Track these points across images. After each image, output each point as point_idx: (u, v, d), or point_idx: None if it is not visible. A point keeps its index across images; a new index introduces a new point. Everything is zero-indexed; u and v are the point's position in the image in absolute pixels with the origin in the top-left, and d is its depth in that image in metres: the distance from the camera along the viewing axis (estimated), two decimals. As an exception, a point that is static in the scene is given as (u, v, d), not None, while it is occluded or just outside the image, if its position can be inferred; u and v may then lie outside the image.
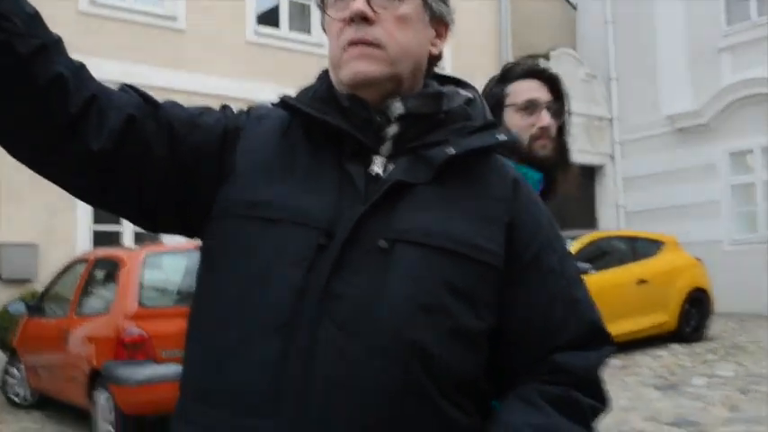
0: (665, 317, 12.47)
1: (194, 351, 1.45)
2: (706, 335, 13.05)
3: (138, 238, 11.50)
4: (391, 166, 1.44)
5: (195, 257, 1.55)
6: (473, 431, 1.39)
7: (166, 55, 12.68)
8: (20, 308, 9.88)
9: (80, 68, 1.39)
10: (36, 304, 9.82)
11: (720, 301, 13.68)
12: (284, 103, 1.51)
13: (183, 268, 8.21)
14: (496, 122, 1.56)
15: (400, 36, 1.45)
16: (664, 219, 16.72)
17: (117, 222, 11.33)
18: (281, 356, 1.31)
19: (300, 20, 14.57)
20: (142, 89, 1.47)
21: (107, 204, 1.50)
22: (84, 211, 11.37)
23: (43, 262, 11.31)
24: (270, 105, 1.57)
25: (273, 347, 1.32)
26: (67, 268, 9.60)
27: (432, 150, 1.45)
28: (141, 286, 7.78)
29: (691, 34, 17.42)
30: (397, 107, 1.46)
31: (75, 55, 1.37)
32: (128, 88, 1.46)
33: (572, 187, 2.71)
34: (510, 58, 17.01)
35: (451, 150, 1.44)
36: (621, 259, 12.64)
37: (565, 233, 1.76)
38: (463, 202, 1.45)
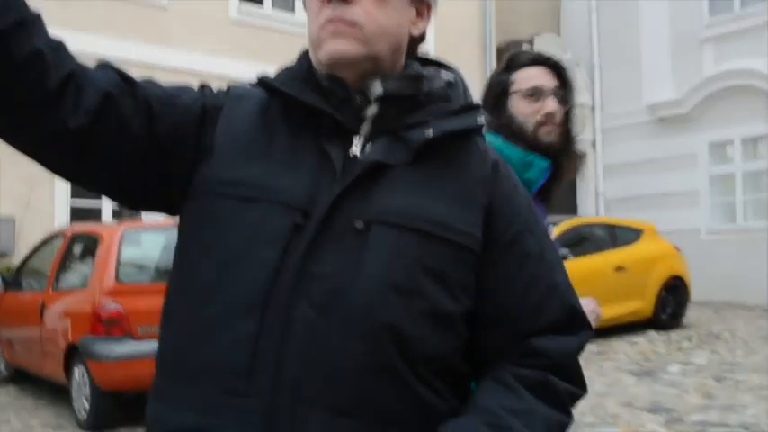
0: (641, 304, 12.56)
1: (170, 329, 1.45)
2: (682, 322, 13.16)
3: (117, 215, 11.45)
4: (370, 147, 1.44)
5: (173, 234, 1.54)
6: (449, 414, 1.39)
7: (149, 31, 12.59)
8: (-4, 281, 9.85)
9: (59, 45, 1.37)
10: (13, 278, 9.78)
11: (697, 290, 13.80)
12: (263, 82, 1.50)
13: (161, 245, 8.19)
14: (476, 105, 1.54)
15: (378, 15, 1.43)
16: (643, 207, 16.82)
17: (96, 198, 11.27)
18: (255, 336, 1.31)
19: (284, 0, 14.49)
20: (121, 67, 1.46)
21: (83, 181, 1.49)
22: (62, 185, 11.29)
23: (21, 236, 11.24)
24: (249, 85, 1.55)
25: (248, 327, 1.32)
26: (45, 243, 9.55)
27: (411, 132, 1.44)
28: (119, 262, 7.75)
29: (674, 24, 17.47)
30: (377, 88, 1.45)
31: (56, 29, 1.35)
32: (105, 66, 1.45)
33: (575, 173, 2.73)
34: (493, 43, 17.03)
35: (430, 132, 1.44)
36: (600, 246, 12.71)
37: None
38: (441, 184, 1.44)
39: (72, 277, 8.56)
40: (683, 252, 13.58)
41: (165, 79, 1.53)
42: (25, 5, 1.32)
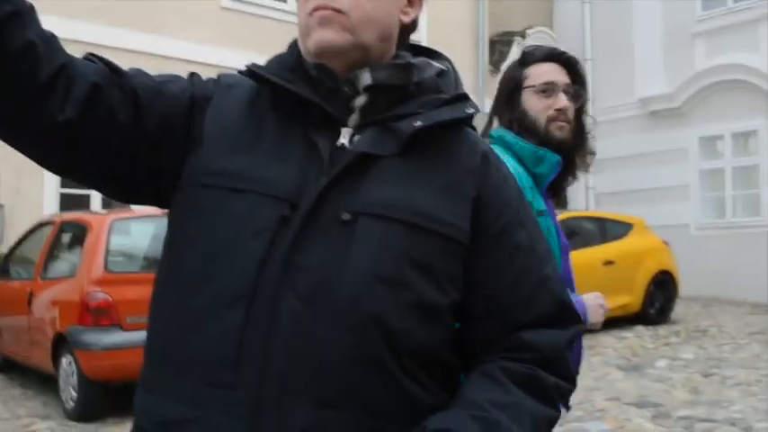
0: (630, 298, 12.59)
1: (158, 320, 1.45)
2: (670, 318, 13.20)
3: (106, 203, 11.42)
4: (358, 138, 1.43)
5: (163, 224, 1.54)
6: (436, 406, 1.39)
7: (140, 19, 12.52)
8: (-16, 269, 9.81)
9: (51, 38, 1.37)
10: (1, 266, 9.74)
11: (685, 285, 13.84)
12: (251, 71, 1.48)
13: (150, 234, 8.17)
14: (466, 95, 1.53)
15: (366, 3, 1.42)
16: (633, 201, 16.84)
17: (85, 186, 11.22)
18: (241, 327, 1.31)
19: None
20: (111, 54, 1.45)
21: (72, 174, 1.49)
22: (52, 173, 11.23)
23: (10, 224, 11.19)
24: (239, 73, 1.54)
25: (234, 318, 1.31)
26: (33, 231, 9.51)
27: (400, 122, 1.43)
28: (107, 251, 7.73)
29: (666, 18, 17.48)
30: (365, 78, 1.45)
31: (47, 16, 1.34)
32: (93, 57, 1.44)
33: (587, 169, 2.76)
34: (486, 35, 17.02)
35: (419, 123, 1.43)
36: (590, 240, 12.73)
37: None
38: (429, 175, 1.43)
39: (60, 266, 8.53)
40: (672, 247, 13.61)
41: (156, 67, 1.52)
42: None
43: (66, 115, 1.35)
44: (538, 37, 18.04)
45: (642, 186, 17.24)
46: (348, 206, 1.36)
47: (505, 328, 1.46)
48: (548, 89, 2.64)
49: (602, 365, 9.62)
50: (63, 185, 11.64)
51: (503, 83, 2.76)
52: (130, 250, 8.31)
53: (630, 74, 17.81)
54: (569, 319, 1.51)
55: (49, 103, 1.34)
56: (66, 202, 11.64)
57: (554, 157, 2.61)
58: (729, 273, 15.49)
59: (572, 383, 1.50)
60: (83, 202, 11.63)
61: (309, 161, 1.40)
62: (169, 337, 1.39)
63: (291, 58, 1.50)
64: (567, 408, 2.80)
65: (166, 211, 1.52)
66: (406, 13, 1.52)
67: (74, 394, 7.46)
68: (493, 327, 1.47)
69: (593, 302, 2.64)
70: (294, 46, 1.52)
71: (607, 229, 13.16)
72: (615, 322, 12.24)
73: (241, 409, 1.29)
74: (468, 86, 1.58)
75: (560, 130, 2.64)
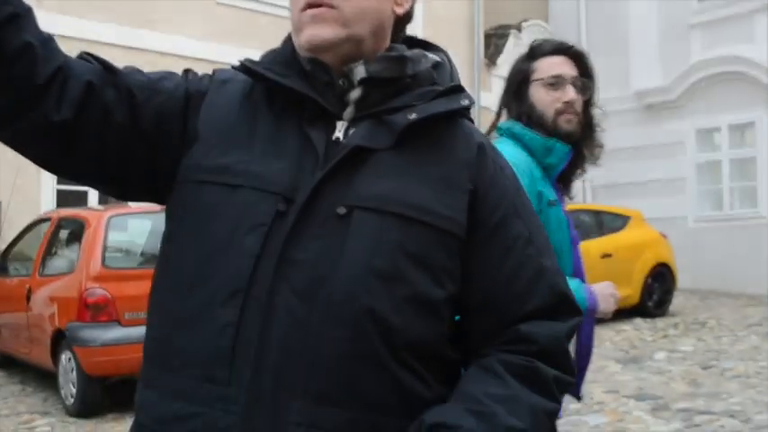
0: (628, 291, 12.57)
1: (156, 317, 1.45)
2: (668, 310, 13.21)
3: (103, 199, 11.40)
4: (353, 131, 1.43)
5: (160, 219, 1.54)
6: (434, 400, 1.38)
7: (135, 14, 12.49)
8: (-18, 266, 9.80)
9: (48, 39, 1.38)
10: (-1, 263, 9.74)
11: (683, 277, 13.83)
12: (245, 67, 1.48)
13: (147, 230, 8.18)
14: (461, 86, 1.53)
15: None
16: (630, 194, 16.84)
17: (83, 182, 11.19)
18: (237, 323, 1.31)
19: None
20: (106, 49, 1.45)
21: (69, 173, 1.49)
22: (49, 170, 11.20)
23: (7, 220, 11.17)
24: (233, 69, 1.54)
25: (230, 314, 1.32)
26: (31, 227, 9.51)
27: (394, 115, 1.43)
28: (105, 247, 7.73)
29: (662, 10, 17.46)
30: (360, 71, 1.44)
31: (43, 12, 1.34)
32: (87, 56, 1.45)
33: (596, 161, 2.78)
34: (481, 28, 16.99)
35: (413, 115, 1.42)
36: (587, 233, 12.70)
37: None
38: (425, 168, 1.43)
39: (58, 262, 8.53)
40: (669, 239, 13.61)
41: (151, 62, 1.53)
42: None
43: (61, 115, 1.36)
44: (533, 30, 18.03)
45: (639, 179, 17.23)
46: (343, 200, 1.36)
47: (504, 320, 1.45)
48: (556, 82, 2.66)
49: (601, 358, 9.62)
50: (60, 182, 11.61)
51: (511, 76, 2.79)
52: (128, 246, 8.32)
53: (626, 66, 17.80)
54: (569, 311, 1.50)
55: (45, 104, 1.35)
56: (64, 199, 11.63)
57: (564, 147, 2.63)
58: (727, 265, 15.50)
59: (572, 375, 1.48)
60: (80, 199, 11.62)
61: (304, 155, 1.40)
62: (167, 334, 1.40)
63: (286, 53, 1.50)
64: (579, 398, 2.82)
65: (163, 207, 1.52)
66: (399, 5, 1.51)
67: (73, 390, 7.46)
68: (491, 319, 1.46)
69: (604, 291, 2.66)
70: (289, 40, 1.51)
71: (604, 222, 13.17)
72: (613, 315, 12.22)
73: (237, 404, 1.29)
74: (464, 80, 1.57)
75: (568, 123, 2.66)
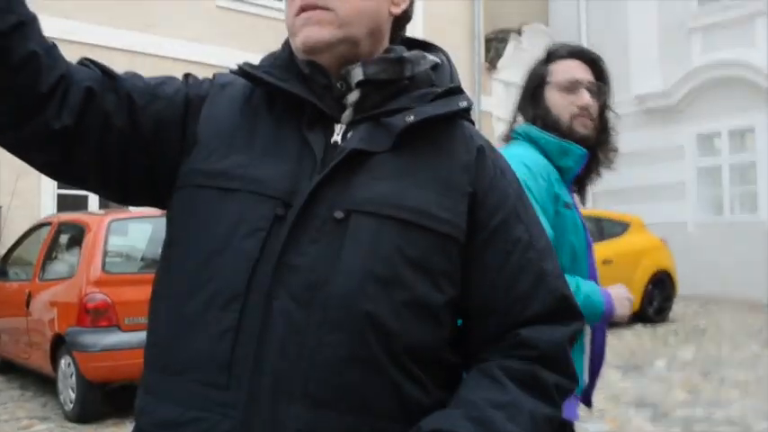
0: (628, 297, 12.55)
1: (156, 322, 1.45)
2: (668, 317, 13.19)
3: (104, 204, 11.40)
4: (351, 134, 1.42)
5: (160, 224, 1.54)
6: (435, 405, 1.38)
7: (135, 16, 12.50)
8: (-18, 271, 9.78)
9: (52, 48, 1.39)
10: (-1, 267, 9.73)
11: (683, 283, 13.82)
12: (243, 71, 1.48)
13: (148, 235, 8.17)
14: (461, 88, 1.52)
15: None
16: (630, 199, 16.83)
17: (83, 187, 11.19)
18: (235, 328, 1.31)
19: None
20: (103, 58, 1.46)
21: (70, 178, 1.49)
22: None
23: (7, 225, 11.17)
24: (233, 73, 1.54)
25: (229, 319, 1.32)
26: (31, 232, 9.50)
27: (392, 118, 1.42)
28: (105, 252, 7.71)
29: (662, 14, 17.47)
30: (357, 73, 1.44)
31: (42, 14, 1.35)
32: (87, 62, 1.46)
33: (610, 166, 2.80)
34: (481, 30, 17.00)
35: (411, 118, 1.41)
36: (587, 239, 12.69)
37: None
38: (423, 171, 1.42)
39: (58, 267, 8.52)
40: (669, 245, 13.59)
41: (150, 65, 1.53)
42: (25, 7, 1.34)
43: (62, 122, 1.36)
44: (533, 33, 18.05)
45: (639, 184, 17.22)
46: (341, 204, 1.35)
47: (504, 324, 1.44)
48: (571, 86, 2.67)
49: (601, 364, 9.60)
50: (60, 186, 11.60)
51: (527, 79, 2.80)
52: (128, 251, 8.31)
53: (626, 71, 17.79)
54: (570, 315, 1.49)
55: (47, 112, 1.36)
56: (64, 203, 11.63)
57: (580, 150, 2.64)
58: (727, 271, 15.48)
59: (573, 380, 1.47)
60: (80, 203, 11.62)
61: (303, 159, 1.40)
62: (167, 339, 1.39)
63: (284, 56, 1.50)
64: (589, 405, 2.81)
65: (164, 211, 1.52)
66: (395, 5, 1.51)
67: (72, 395, 7.44)
68: (492, 324, 1.45)
69: (619, 295, 2.66)
70: (287, 44, 1.51)
71: (604, 228, 13.14)
72: (613, 321, 12.22)
73: (235, 409, 1.29)
74: (464, 83, 1.56)
75: (583, 127, 2.67)
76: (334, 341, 1.29)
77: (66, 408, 7.57)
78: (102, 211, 9.16)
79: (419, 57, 1.52)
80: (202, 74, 1.59)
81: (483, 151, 1.50)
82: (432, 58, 1.54)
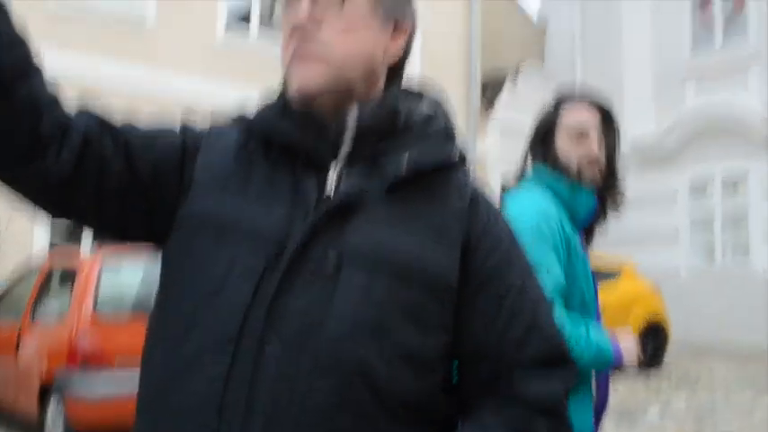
0: (621, 343, 12.51)
1: (148, 367, 1.44)
2: (661, 363, 13.15)
3: (97, 244, 11.36)
4: (345, 181, 1.42)
5: (153, 265, 1.53)
6: None
7: (135, 54, 12.58)
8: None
9: (55, 93, 1.40)
10: (-12, 307, 9.66)
11: (676, 329, 13.82)
12: (239, 119, 1.50)
13: (140, 276, 8.13)
14: (455, 134, 1.53)
15: (345, 40, 1.43)
16: (622, 244, 16.84)
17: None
18: (227, 373, 1.30)
19: (270, 25, 14.52)
20: (102, 98, 1.47)
21: (65, 218, 1.50)
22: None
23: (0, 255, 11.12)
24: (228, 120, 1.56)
25: (220, 365, 1.31)
26: (22, 272, 9.46)
27: (386, 165, 1.43)
28: (97, 293, 7.67)
29: (656, 58, 17.66)
30: (352, 118, 1.44)
31: (42, 48, 1.36)
32: (87, 108, 1.46)
33: (618, 211, 2.85)
34: (478, 73, 17.12)
35: (404, 165, 1.42)
36: (580, 284, 12.68)
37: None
38: (416, 218, 1.42)
39: (50, 308, 8.47)
40: (662, 291, 13.59)
41: (151, 101, 1.54)
42: (30, 53, 1.36)
43: (60, 168, 1.37)
44: (530, 76, 18.20)
45: (632, 229, 17.22)
46: (334, 248, 1.35)
47: (497, 371, 1.43)
48: (581, 132, 2.72)
49: (594, 412, 9.54)
50: (53, 223, 11.59)
51: (537, 123, 2.85)
52: (120, 292, 8.26)
53: (620, 114, 17.74)
54: (564, 362, 1.47)
55: (46, 157, 1.37)
56: (56, 243, 11.59)
57: (590, 196, 2.69)
58: (720, 317, 15.48)
59: (568, 430, 1.45)
60: (73, 243, 11.58)
61: (296, 204, 1.40)
62: (158, 384, 1.39)
63: (280, 101, 1.51)
64: None
65: (157, 253, 1.52)
66: (390, 48, 1.51)
67: (60, 440, 7.36)
68: (484, 370, 1.44)
69: (627, 343, 2.66)
70: (284, 87, 1.52)
71: (597, 273, 13.10)
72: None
73: None
74: (460, 125, 1.56)
75: (591, 173, 2.71)
76: (325, 387, 1.28)
77: (53, 453, 7.48)
78: (94, 253, 9.14)
79: (415, 102, 1.53)
80: (201, 112, 1.60)
81: (476, 198, 1.50)
82: (427, 104, 1.55)
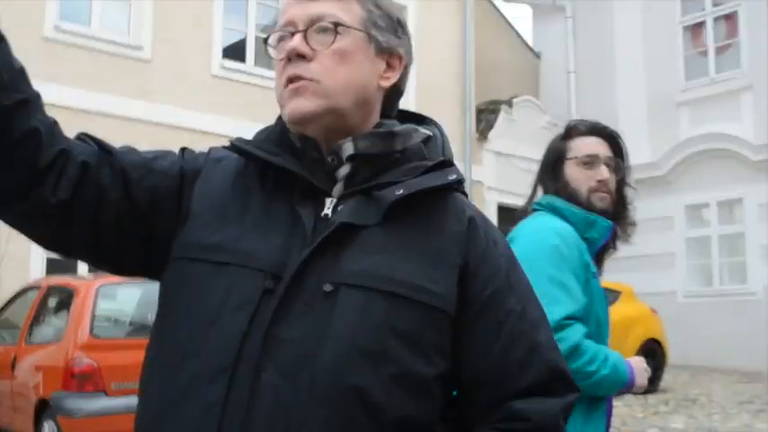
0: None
1: (146, 394, 1.44)
2: (659, 386, 13.11)
3: (93, 268, 11.32)
4: (342, 208, 1.43)
5: (150, 289, 1.55)
6: None
7: (131, 85, 12.60)
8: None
9: (53, 125, 1.41)
10: (-14, 330, 9.64)
11: (674, 353, 13.77)
12: (235, 147, 1.49)
13: (136, 299, 8.13)
14: (451, 161, 1.53)
15: (338, 70, 1.44)
16: (620, 268, 16.77)
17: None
18: (224, 401, 1.30)
19: (266, 55, 14.50)
20: (99, 129, 1.49)
21: (63, 249, 1.51)
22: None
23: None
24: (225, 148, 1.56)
25: (216, 393, 1.30)
26: (19, 295, 9.44)
27: (382, 191, 1.43)
28: (93, 316, 7.66)
29: (650, 88, 17.72)
30: (348, 147, 1.45)
31: (38, 81, 1.38)
32: (84, 136, 1.48)
33: (627, 240, 2.87)
34: (473, 103, 17.18)
35: (400, 191, 1.41)
36: (578, 308, 12.65)
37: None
38: (413, 243, 1.42)
39: (46, 330, 8.45)
40: (659, 314, 13.58)
41: (146, 132, 1.55)
42: (29, 85, 1.37)
43: (58, 198, 1.38)
44: (524, 105, 18.25)
45: (629, 254, 17.13)
46: (330, 277, 1.35)
47: (497, 397, 1.42)
48: (590, 161, 2.76)
49: (591, 434, 9.49)
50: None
51: (547, 154, 2.88)
52: (117, 315, 8.25)
53: (617, 143, 17.96)
54: (565, 387, 1.46)
55: (45, 187, 1.38)
56: (53, 266, 11.57)
57: (605, 222, 2.71)
58: (717, 340, 15.46)
59: None
60: (70, 266, 11.57)
61: (293, 233, 1.40)
62: (155, 412, 1.38)
63: (277, 130, 1.52)
64: None
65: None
66: (385, 78, 1.52)
67: (55, 462, 7.32)
68: (484, 396, 1.43)
69: (638, 366, 2.68)
70: (280, 118, 1.53)
71: (599, 296, 13.09)
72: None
73: None
74: (455, 153, 1.56)
75: (601, 201, 2.75)
76: (321, 416, 1.28)
77: (49, 475, 7.44)
78: (91, 276, 9.13)
79: (410, 130, 1.53)
80: (198, 142, 1.61)
81: (474, 222, 1.49)
82: (423, 131, 1.55)
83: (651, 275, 16.55)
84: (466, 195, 1.56)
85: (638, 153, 17.62)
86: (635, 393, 2.74)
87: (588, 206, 2.72)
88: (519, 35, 20.61)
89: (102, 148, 1.46)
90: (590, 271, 2.62)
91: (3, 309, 9.61)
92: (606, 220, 2.71)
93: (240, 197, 1.47)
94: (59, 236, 1.45)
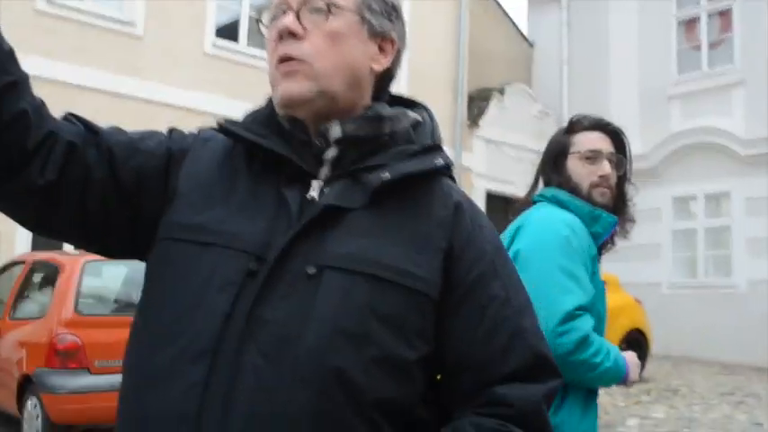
0: (602, 356, 12.52)
1: (129, 373, 1.43)
2: (641, 376, 13.17)
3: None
4: (328, 190, 1.42)
5: (135, 267, 1.54)
6: None
7: (123, 60, 12.52)
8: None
9: (41, 106, 1.41)
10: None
11: (657, 343, 13.85)
12: (223, 127, 1.49)
13: (122, 277, 8.10)
14: (439, 145, 1.53)
15: (329, 52, 1.43)
16: (606, 258, 16.81)
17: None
18: (205, 382, 1.29)
19: (259, 35, 14.46)
20: (88, 107, 1.48)
21: (49, 231, 1.51)
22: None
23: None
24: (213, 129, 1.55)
25: (198, 374, 1.30)
26: (3, 270, 9.41)
27: (369, 174, 1.42)
28: (78, 293, 7.63)
29: (643, 80, 17.76)
30: (335, 130, 1.45)
31: (30, 55, 1.36)
32: (71, 117, 1.47)
33: (627, 235, 2.91)
34: (465, 90, 17.16)
35: (386, 175, 1.41)
36: (563, 296, 12.68)
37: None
38: (399, 227, 1.42)
39: (30, 306, 8.42)
40: (644, 305, 13.64)
41: (136, 109, 1.54)
42: (19, 67, 1.36)
43: (46, 178, 1.38)
44: (516, 93, 18.24)
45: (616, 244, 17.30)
46: (314, 259, 1.35)
47: (479, 382, 1.42)
48: (592, 156, 2.77)
49: (573, 423, 9.53)
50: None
51: (549, 147, 2.91)
52: (102, 293, 8.22)
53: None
54: (548, 373, 1.46)
55: (32, 168, 1.37)
56: (39, 242, 11.53)
57: (610, 218, 2.73)
58: (700, 332, 15.56)
59: None
60: (56, 243, 11.53)
61: (279, 214, 1.40)
62: (137, 391, 1.38)
63: (266, 112, 1.51)
64: None
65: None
66: (377, 61, 1.51)
67: (37, 437, 7.32)
68: (466, 381, 1.43)
69: (632, 360, 2.70)
70: (270, 100, 1.52)
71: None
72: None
73: None
74: (445, 139, 1.56)
75: (602, 196, 2.77)
76: (302, 397, 1.28)
77: (31, 450, 7.44)
78: (76, 252, 9.10)
79: (399, 114, 1.52)
80: (188, 120, 1.60)
81: (461, 207, 1.49)
82: (413, 115, 1.55)
83: (637, 266, 16.61)
84: (454, 180, 1.56)
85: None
86: (627, 387, 2.76)
87: (589, 201, 2.73)
88: (514, 24, 20.55)
89: (89, 128, 1.46)
90: (595, 263, 2.62)
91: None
92: (611, 216, 2.73)
93: (227, 178, 1.46)
94: (46, 217, 1.44)
